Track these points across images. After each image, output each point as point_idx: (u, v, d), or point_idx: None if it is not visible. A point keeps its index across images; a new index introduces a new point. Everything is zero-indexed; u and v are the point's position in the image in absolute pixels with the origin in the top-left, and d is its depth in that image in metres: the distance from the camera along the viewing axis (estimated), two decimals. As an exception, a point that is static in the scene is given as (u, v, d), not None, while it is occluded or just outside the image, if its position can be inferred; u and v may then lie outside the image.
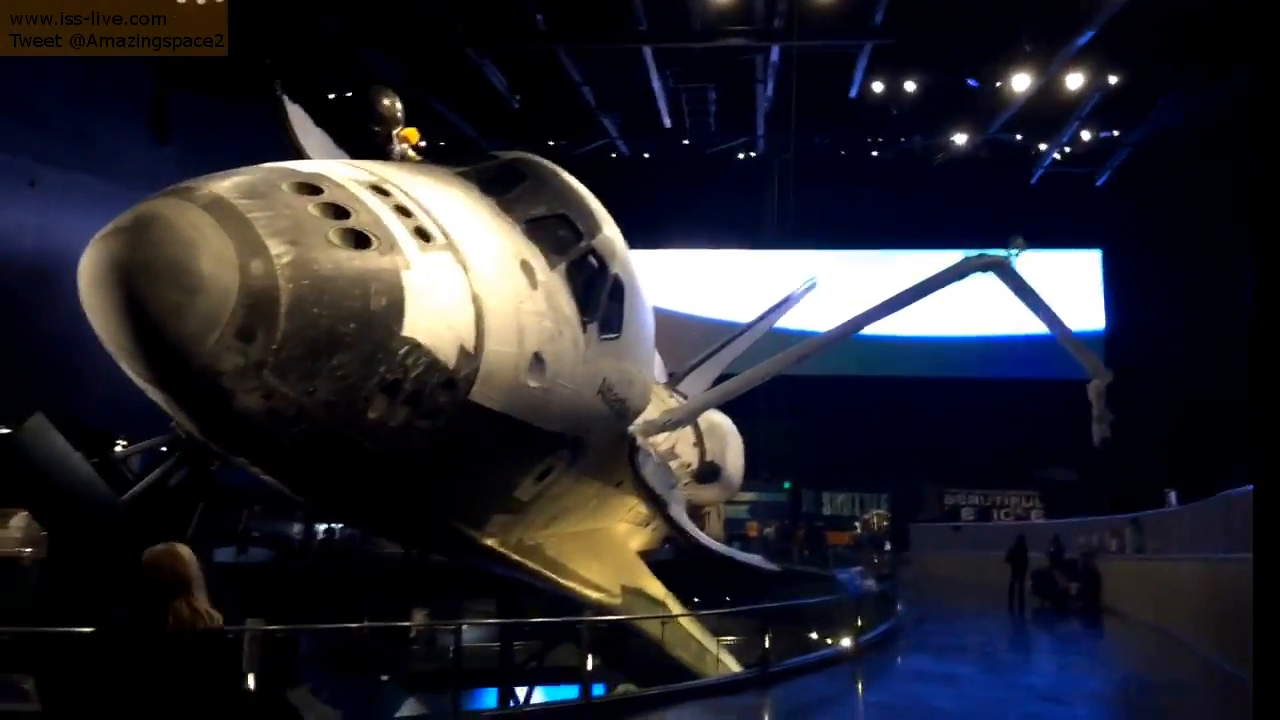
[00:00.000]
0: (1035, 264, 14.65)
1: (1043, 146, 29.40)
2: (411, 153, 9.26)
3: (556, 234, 7.74)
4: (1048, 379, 24.33)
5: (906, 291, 12.16)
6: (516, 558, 9.11)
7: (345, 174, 6.15)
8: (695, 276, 34.11)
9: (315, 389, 5.22)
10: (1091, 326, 29.65)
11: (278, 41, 16.62)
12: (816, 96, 24.44)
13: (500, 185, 7.65)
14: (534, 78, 23.78)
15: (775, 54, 22.38)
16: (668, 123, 27.44)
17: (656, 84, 23.86)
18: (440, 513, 7.55)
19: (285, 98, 10.02)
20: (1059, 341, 13.83)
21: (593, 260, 8.06)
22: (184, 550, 3.74)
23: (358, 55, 19.19)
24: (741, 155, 32.10)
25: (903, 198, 31.31)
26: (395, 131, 9.37)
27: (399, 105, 9.49)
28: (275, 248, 4.92)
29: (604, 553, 12.04)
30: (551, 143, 27.37)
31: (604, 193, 8.94)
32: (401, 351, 5.58)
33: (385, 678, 16.46)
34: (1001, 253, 12.45)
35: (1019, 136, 29.08)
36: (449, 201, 6.85)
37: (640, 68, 22.72)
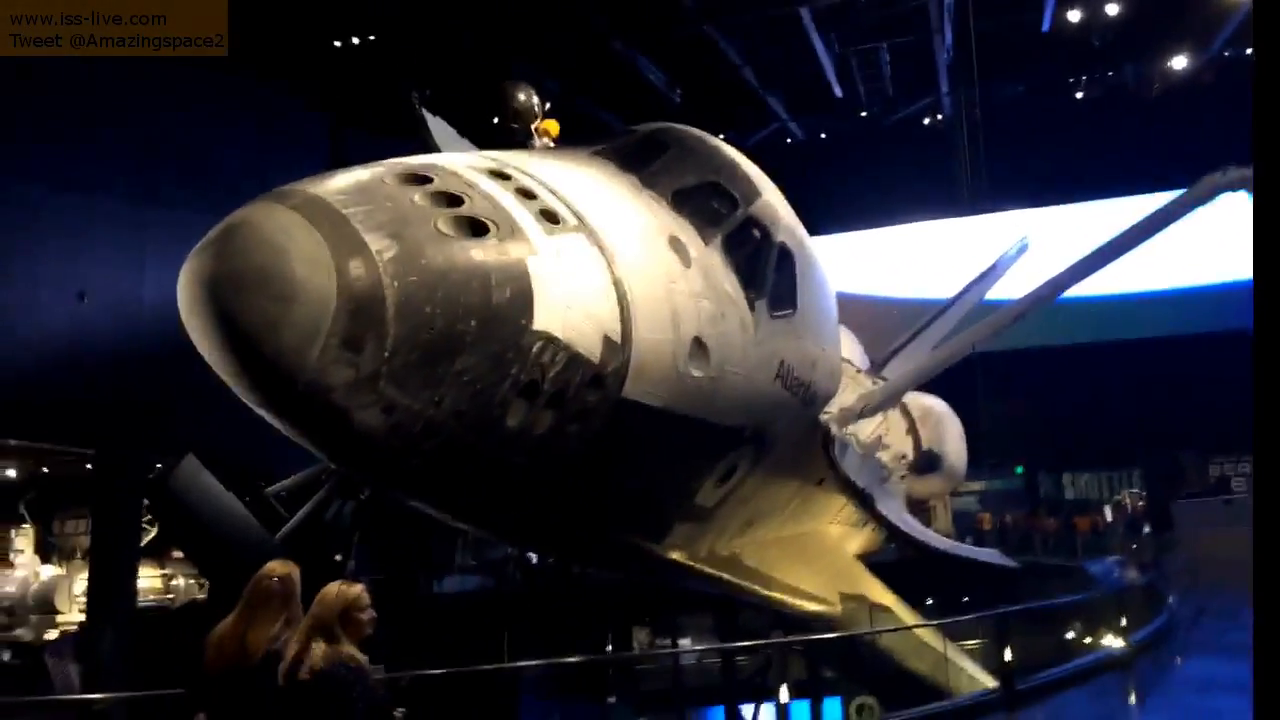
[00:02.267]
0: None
1: None
2: (553, 146, 8.85)
3: (709, 205, 7.02)
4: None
5: (1134, 228, 10.48)
6: (710, 571, 8.40)
7: (461, 161, 5.69)
8: (892, 256, 32.36)
9: (441, 398, 4.72)
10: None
11: (427, 70, 16.95)
12: (1004, 38, 22.42)
13: (641, 159, 7.02)
14: (691, 66, 23.18)
15: (949, -6, 20.67)
16: (839, 92, 26.01)
17: (821, 50, 22.57)
18: (610, 527, 6.94)
19: (425, 110, 9.88)
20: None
21: (754, 230, 7.27)
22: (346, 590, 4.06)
23: (508, 72, 19.34)
24: (927, 120, 30.18)
25: (1116, 140, 28.30)
26: (534, 125, 9.02)
27: (536, 98, 9.14)
28: (376, 243, 4.46)
29: (815, 558, 11.18)
30: (721, 135, 26.62)
31: (783, 180, 8.25)
32: (535, 348, 5.00)
33: (612, 700, 16.30)
34: (1245, 170, 10.50)
35: (1249, 50, 25.58)
36: (581, 181, 6.28)
37: (801, 35, 21.55)
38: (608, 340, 5.41)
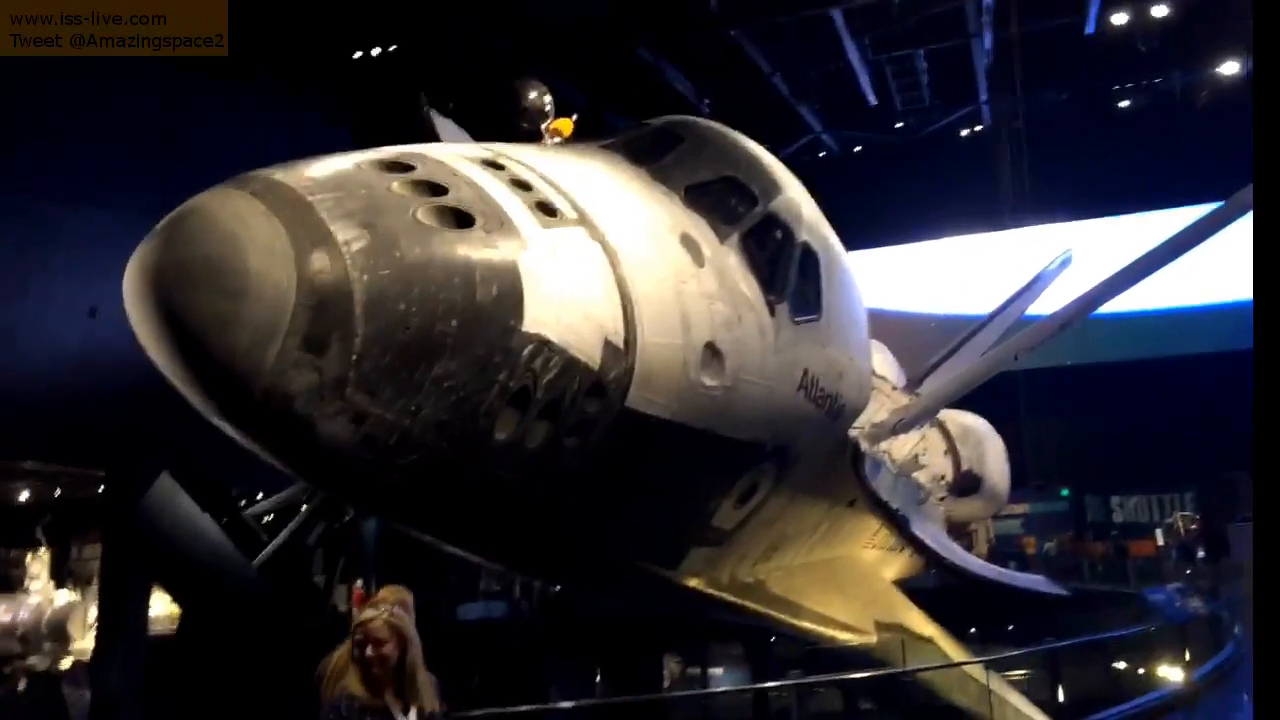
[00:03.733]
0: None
1: None
2: None
3: (725, 200, 6.54)
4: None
5: (1176, 238, 9.84)
6: (732, 599, 7.87)
7: (451, 150, 5.28)
8: (930, 271, 31.76)
9: (419, 407, 4.26)
10: None
11: (447, 81, 16.69)
12: (1045, 43, 21.81)
13: (652, 152, 6.58)
14: (719, 75, 22.79)
15: (988, -6, 20.10)
16: (873, 100, 25.46)
17: (854, 55, 22.07)
18: (619, 551, 6.43)
19: (433, 112, 9.56)
20: None
21: (774, 228, 6.78)
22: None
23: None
24: (965, 131, 29.57)
25: (1162, 150, 27.50)
26: (545, 125, 8.66)
27: (548, 97, 8.79)
28: (344, 233, 4.03)
29: (848, 584, 10.63)
30: (751, 146, 26.21)
31: (817, 195, 7.79)
32: (526, 351, 4.54)
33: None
34: None
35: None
36: (584, 173, 5.84)
37: (833, 40, 21.08)
38: (609, 344, 4.95)
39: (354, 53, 19.67)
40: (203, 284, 3.77)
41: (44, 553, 19.04)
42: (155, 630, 13.47)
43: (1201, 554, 26.03)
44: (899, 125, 28.32)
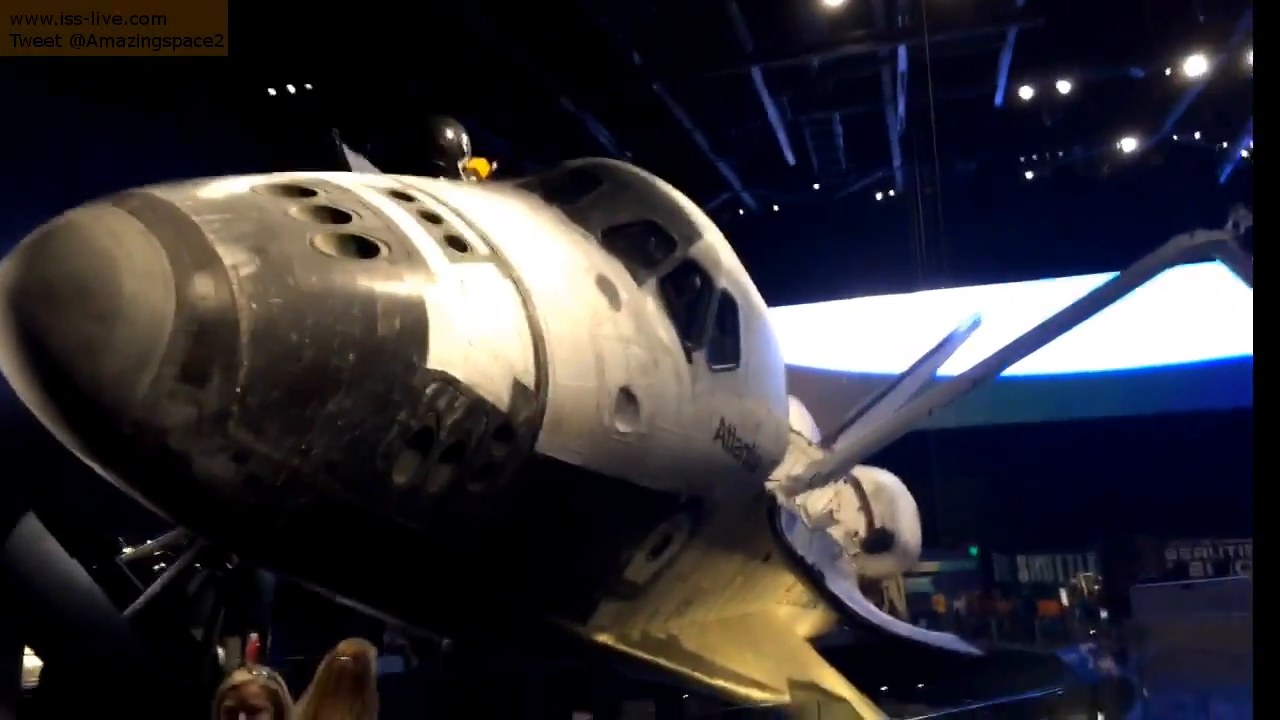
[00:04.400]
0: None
1: (1226, 145, 26.22)
2: None
3: (644, 244, 6.43)
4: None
5: (1092, 295, 10.11)
6: (644, 656, 7.60)
7: (357, 179, 5.06)
8: (845, 329, 32.31)
9: (309, 445, 3.97)
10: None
11: (367, 123, 16.42)
12: (956, 111, 22.62)
13: (569, 193, 6.45)
14: (640, 127, 23.01)
15: (903, 62, 20.75)
16: (791, 159, 26.02)
17: (773, 114, 22.54)
18: (525, 604, 6.13)
19: (345, 147, 9.28)
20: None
21: (693, 274, 6.69)
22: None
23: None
24: (879, 195, 30.40)
25: (1067, 219, 28.71)
26: (461, 164, 8.45)
27: (464, 136, 8.60)
28: (232, 256, 3.76)
29: (762, 641, 10.43)
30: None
31: (736, 252, 7.75)
32: (429, 390, 4.29)
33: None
34: (1215, 234, 10.19)
35: (1198, 135, 26.09)
36: (497, 209, 5.66)
37: (753, 97, 21.50)
38: (518, 385, 4.73)
39: (269, 89, 19.27)
40: (69, 305, 3.44)
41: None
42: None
43: (1105, 614, 26.67)
44: (815, 186, 28.93)
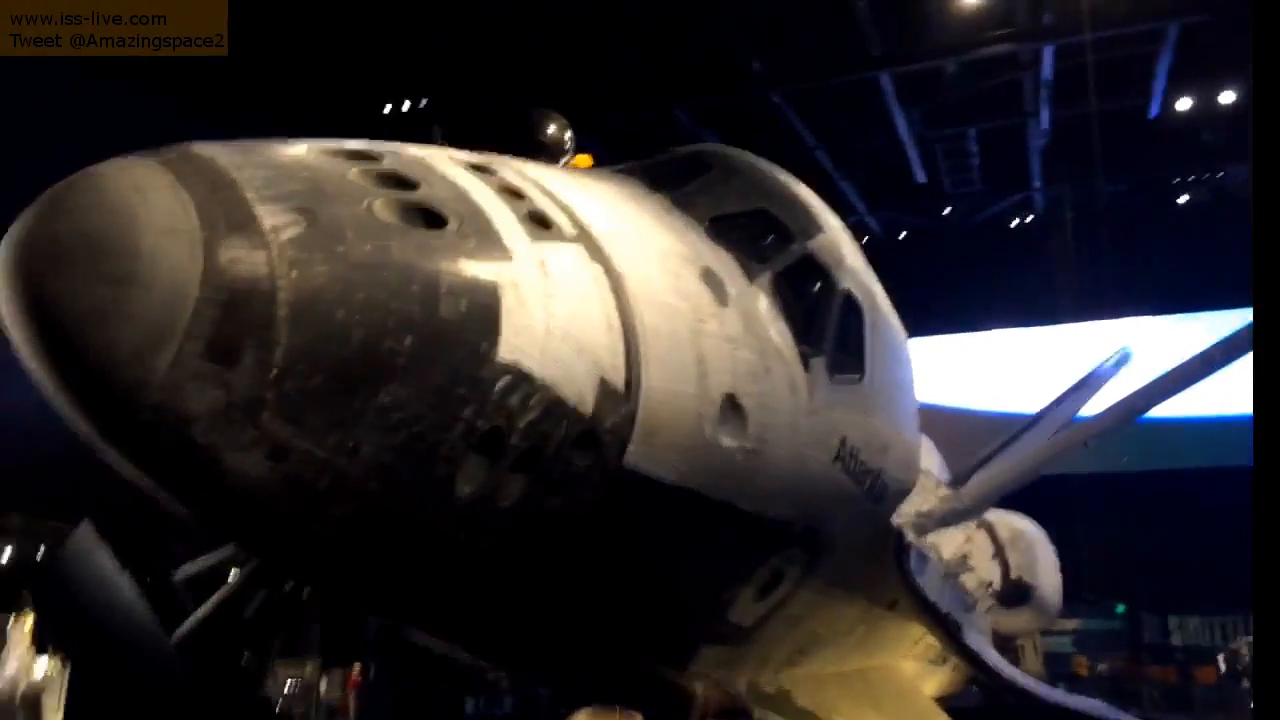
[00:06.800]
0: None
1: None
2: None
3: (756, 235, 5.83)
4: None
5: (1237, 335, 9.14)
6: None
7: (434, 149, 4.59)
8: (977, 364, 30.88)
9: (358, 444, 3.46)
10: None
11: (484, 142, 16.36)
12: (1104, 125, 21.18)
13: (675, 179, 5.92)
14: (762, 146, 22.39)
15: (1048, 69, 19.52)
16: (920, 177, 24.88)
17: (902, 127, 21.51)
18: (611, 645, 5.50)
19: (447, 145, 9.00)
20: None
21: (812, 271, 6.03)
22: None
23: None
24: (1018, 218, 29.01)
25: (1226, 246, 26.64)
26: (564, 161, 8.07)
27: (569, 132, 8.24)
28: (273, 218, 3.31)
29: (885, 699, 9.57)
30: (794, 229, 25.77)
31: None
32: (500, 384, 3.74)
33: None
34: None
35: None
36: (593, 191, 5.15)
37: (880, 108, 20.59)
38: (605, 385, 4.15)
39: (384, 106, 19.50)
40: (79, 265, 3.03)
41: (27, 617, 18.21)
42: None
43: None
44: (945, 212, 27.79)
